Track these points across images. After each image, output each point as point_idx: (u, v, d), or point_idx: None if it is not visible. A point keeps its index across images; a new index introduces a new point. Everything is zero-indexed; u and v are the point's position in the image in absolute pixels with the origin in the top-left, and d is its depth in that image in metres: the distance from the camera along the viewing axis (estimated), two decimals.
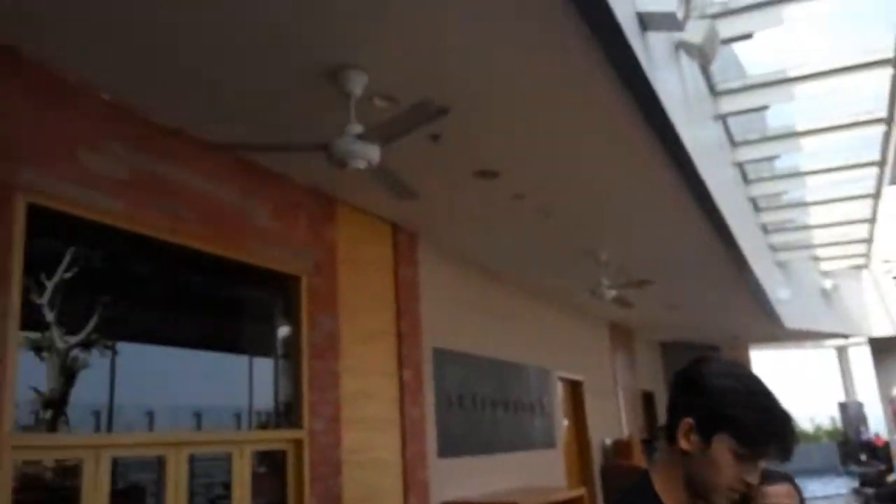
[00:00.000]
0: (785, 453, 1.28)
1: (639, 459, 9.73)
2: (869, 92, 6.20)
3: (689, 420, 1.32)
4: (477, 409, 6.62)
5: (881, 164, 7.28)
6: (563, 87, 3.60)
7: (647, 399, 12.43)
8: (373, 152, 3.19)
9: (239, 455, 4.07)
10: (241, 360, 4.64)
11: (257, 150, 4.00)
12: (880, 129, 6.59)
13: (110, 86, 3.39)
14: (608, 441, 9.93)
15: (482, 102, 3.68)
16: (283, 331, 4.69)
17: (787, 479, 1.99)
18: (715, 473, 1.28)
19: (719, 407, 1.29)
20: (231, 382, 4.50)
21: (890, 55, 5.34)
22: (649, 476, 1.37)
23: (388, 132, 3.14)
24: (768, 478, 1.98)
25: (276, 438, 4.41)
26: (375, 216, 5.48)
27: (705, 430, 1.30)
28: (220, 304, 4.46)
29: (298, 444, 4.38)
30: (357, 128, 3.15)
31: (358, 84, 3.22)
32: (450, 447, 5.99)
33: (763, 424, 1.26)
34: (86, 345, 3.39)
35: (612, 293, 6.71)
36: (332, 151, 3.14)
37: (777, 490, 1.95)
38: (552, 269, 7.42)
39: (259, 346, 4.72)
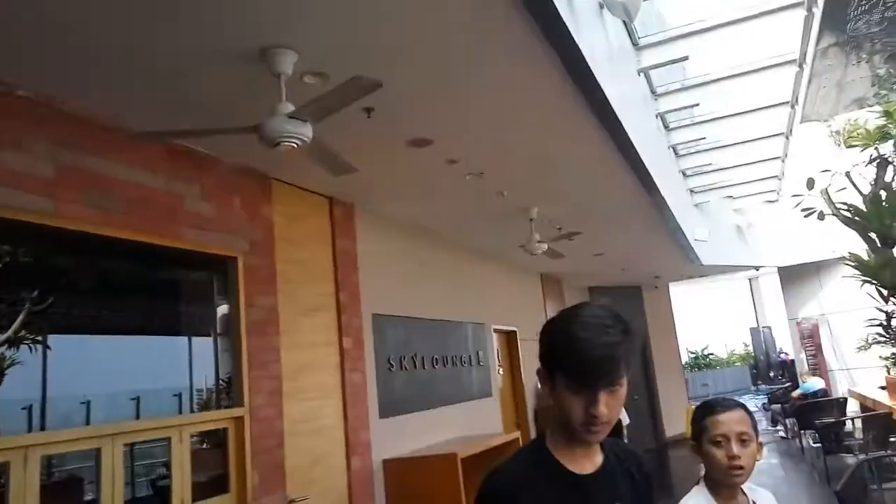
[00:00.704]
0: (607, 379, 1.31)
1: None
2: (783, 34, 6.40)
3: (539, 368, 1.44)
4: (416, 368, 6.73)
5: (793, 104, 7.61)
6: (491, 52, 3.55)
7: None
8: (306, 131, 3.08)
9: (178, 439, 4.02)
10: (179, 342, 4.53)
11: (187, 137, 3.82)
12: (792, 70, 6.85)
13: (27, 83, 3.20)
14: (540, 385, 10.30)
15: (411, 72, 3.61)
16: (222, 310, 4.59)
17: (740, 406, 2.11)
18: (566, 410, 1.35)
19: (549, 348, 1.40)
20: (170, 365, 4.40)
21: None
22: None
23: (320, 109, 3.03)
24: (720, 406, 2.11)
25: (216, 418, 4.36)
26: (312, 191, 5.40)
27: (549, 373, 1.39)
28: (155, 289, 4.30)
29: (239, 421, 4.38)
30: (288, 107, 3.03)
31: (288, 63, 3.09)
32: (391, 407, 6.10)
33: (575, 355, 1.31)
34: (13, 342, 3.21)
35: (543, 247, 6.85)
36: (264, 133, 3.01)
37: (729, 416, 2.06)
38: (486, 228, 7.50)
39: (197, 326, 4.61)
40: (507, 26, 3.28)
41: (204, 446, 4.42)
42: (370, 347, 5.94)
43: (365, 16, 3.00)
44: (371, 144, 4.52)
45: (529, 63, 3.71)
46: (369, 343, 5.93)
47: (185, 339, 4.63)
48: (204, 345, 4.61)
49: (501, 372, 9.30)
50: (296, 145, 3.12)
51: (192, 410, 4.34)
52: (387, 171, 5.18)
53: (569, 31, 3.52)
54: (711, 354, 26.63)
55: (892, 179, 8.14)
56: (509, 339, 9.76)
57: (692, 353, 25.40)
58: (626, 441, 9.93)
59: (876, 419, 7.95)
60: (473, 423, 7.68)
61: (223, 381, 4.56)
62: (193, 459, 4.06)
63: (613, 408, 1.33)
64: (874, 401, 8.70)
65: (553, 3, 3.26)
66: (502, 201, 6.31)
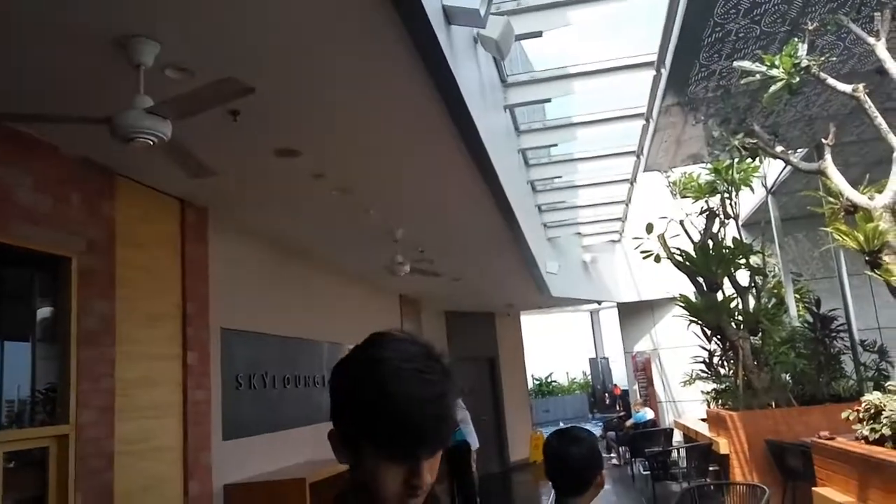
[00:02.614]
0: (432, 444, 0.97)
1: None
2: (634, 90, 6.98)
3: (332, 430, 1.02)
4: (266, 387, 6.45)
5: (638, 153, 8.29)
6: (369, 72, 3.56)
7: None
8: (165, 128, 2.87)
9: None
10: None
11: (24, 121, 3.41)
12: (640, 123, 7.49)
13: None
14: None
15: (285, 80, 3.52)
16: (42, 313, 4.13)
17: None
18: (376, 485, 0.96)
19: (347, 405, 0.99)
20: None
21: (653, 59, 6.05)
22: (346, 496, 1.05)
23: (184, 108, 2.85)
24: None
25: (36, 436, 3.90)
26: (161, 192, 5.03)
27: (348, 439, 0.99)
28: None
29: (63, 439, 3.94)
30: (147, 101, 2.82)
31: (149, 54, 2.87)
32: (237, 428, 5.78)
33: (390, 417, 0.93)
34: None
35: (406, 268, 6.89)
36: (118, 126, 2.77)
37: None
38: (349, 246, 7.42)
39: (10, 329, 4.10)
40: (385, 48, 3.30)
41: (11, 464, 3.93)
42: (217, 363, 5.61)
43: (236, 15, 2.87)
44: (234, 149, 4.32)
45: (406, 86, 3.74)
46: (216, 359, 5.60)
47: None
48: (18, 350, 4.12)
49: None
50: (152, 143, 2.90)
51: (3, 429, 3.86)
52: (248, 179, 4.97)
53: (446, 59, 3.61)
54: (554, 382, 28.00)
55: (718, 231, 9.08)
56: None
57: (536, 379, 26.56)
58: (474, 465, 10.10)
59: (697, 449, 8.65)
60: (324, 448, 7.41)
61: (40, 392, 4.10)
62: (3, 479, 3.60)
63: (434, 472, 0.99)
64: (696, 432, 9.51)
65: (433, 31, 3.33)
66: (368, 220, 6.27)
